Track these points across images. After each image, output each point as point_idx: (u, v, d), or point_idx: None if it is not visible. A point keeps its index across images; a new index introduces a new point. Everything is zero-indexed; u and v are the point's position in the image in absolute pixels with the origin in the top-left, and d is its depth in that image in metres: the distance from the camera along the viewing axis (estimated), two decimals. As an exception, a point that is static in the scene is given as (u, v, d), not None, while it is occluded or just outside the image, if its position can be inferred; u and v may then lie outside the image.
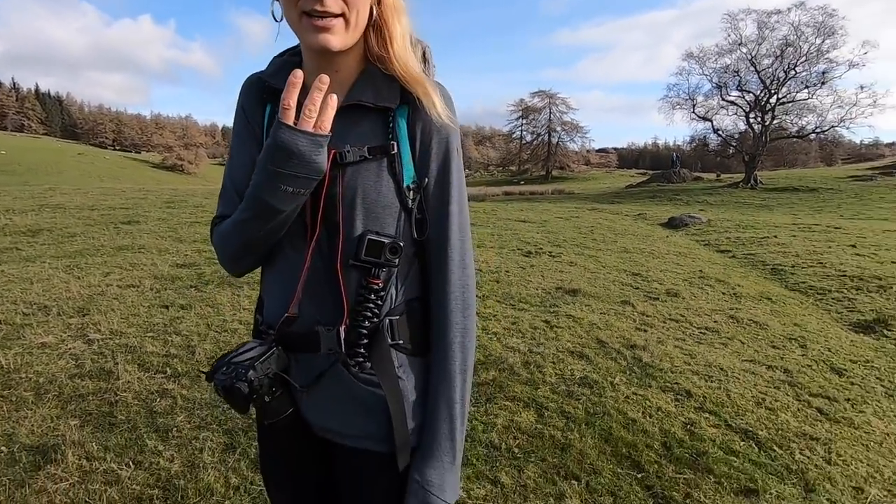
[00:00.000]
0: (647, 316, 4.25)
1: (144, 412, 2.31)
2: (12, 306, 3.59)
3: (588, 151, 59.68)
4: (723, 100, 26.79)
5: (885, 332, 4.34)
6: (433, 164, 0.81)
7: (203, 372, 0.81)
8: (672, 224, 11.22)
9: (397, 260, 0.78)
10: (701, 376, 3.05)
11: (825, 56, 23.68)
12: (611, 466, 2.11)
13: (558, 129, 50.35)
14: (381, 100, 0.79)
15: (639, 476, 2.06)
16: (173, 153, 57.14)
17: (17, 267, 4.83)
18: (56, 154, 47.10)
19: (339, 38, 0.74)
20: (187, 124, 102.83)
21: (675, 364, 3.19)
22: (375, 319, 0.79)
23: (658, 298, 4.87)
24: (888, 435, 2.65)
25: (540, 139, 51.50)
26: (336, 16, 0.73)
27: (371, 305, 0.79)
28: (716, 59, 26.31)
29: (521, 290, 4.78)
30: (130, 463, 1.94)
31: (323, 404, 0.82)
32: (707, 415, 2.58)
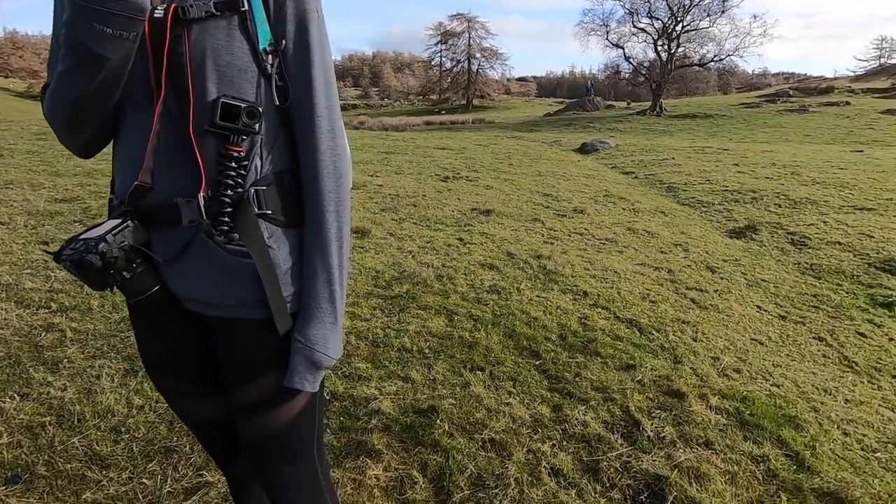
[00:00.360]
0: (554, 231, 4.51)
1: (28, 347, 2.14)
2: None
3: (508, 80, 59.28)
4: (634, 27, 27.44)
5: (753, 235, 4.96)
6: (289, 25, 0.76)
7: (51, 254, 0.74)
8: (584, 149, 11.70)
9: (257, 125, 0.74)
10: (597, 279, 3.35)
11: (726, -16, 24.69)
12: (513, 357, 2.31)
13: (478, 55, 49.19)
14: None
15: (537, 363, 2.28)
16: (39, 79, 48.97)
17: None
18: None
19: None
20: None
21: (575, 270, 3.46)
22: (240, 189, 0.76)
23: (566, 215, 5.16)
24: (744, 316, 3.11)
25: (460, 66, 50.18)
26: None
27: (232, 173, 0.75)
28: (629, -16, 26.55)
29: (438, 213, 4.84)
30: (16, 395, 1.82)
31: (191, 277, 0.80)
32: (599, 309, 2.87)
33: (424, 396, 1.96)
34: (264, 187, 0.79)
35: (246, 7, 0.73)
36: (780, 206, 5.95)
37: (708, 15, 25.72)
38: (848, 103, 22.86)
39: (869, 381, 2.54)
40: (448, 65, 51.40)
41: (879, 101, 22.89)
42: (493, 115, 34.40)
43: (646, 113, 24.22)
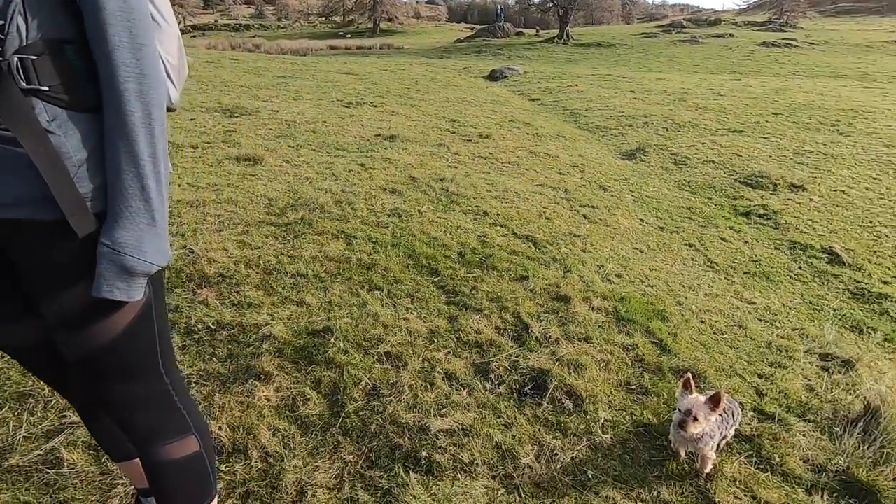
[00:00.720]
0: (459, 155, 4.49)
1: None
2: None
3: (417, 3, 56.04)
4: (543, -52, 26.67)
5: (642, 157, 5.30)
6: None
7: None
8: (493, 76, 11.57)
9: None
10: (498, 199, 3.42)
11: None
12: (412, 276, 2.32)
13: (384, -27, 45.57)
14: None
15: (435, 280, 2.31)
16: None
17: None
18: None
19: None
20: None
21: (477, 192, 3.50)
22: None
23: (471, 140, 5.14)
24: (628, 228, 3.37)
25: (365, -15, 46.31)
26: None
27: None
28: None
29: (339, 139, 4.59)
30: None
31: None
32: (498, 227, 2.95)
33: (319, 318, 1.93)
34: (33, 57, 0.64)
35: None
36: (667, 130, 6.37)
37: (613, -61, 25.59)
38: (732, 35, 24.51)
39: (725, 278, 2.91)
40: (351, -18, 47.23)
41: (757, 34, 24.79)
42: (402, 41, 32.69)
43: (553, 41, 24.30)
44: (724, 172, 4.76)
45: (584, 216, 3.41)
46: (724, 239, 3.44)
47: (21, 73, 0.63)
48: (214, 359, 1.68)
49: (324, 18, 50.75)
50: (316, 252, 2.39)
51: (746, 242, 3.42)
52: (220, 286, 2.06)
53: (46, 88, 0.65)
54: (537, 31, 31.41)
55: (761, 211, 3.91)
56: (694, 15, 41.88)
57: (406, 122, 5.62)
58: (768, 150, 5.41)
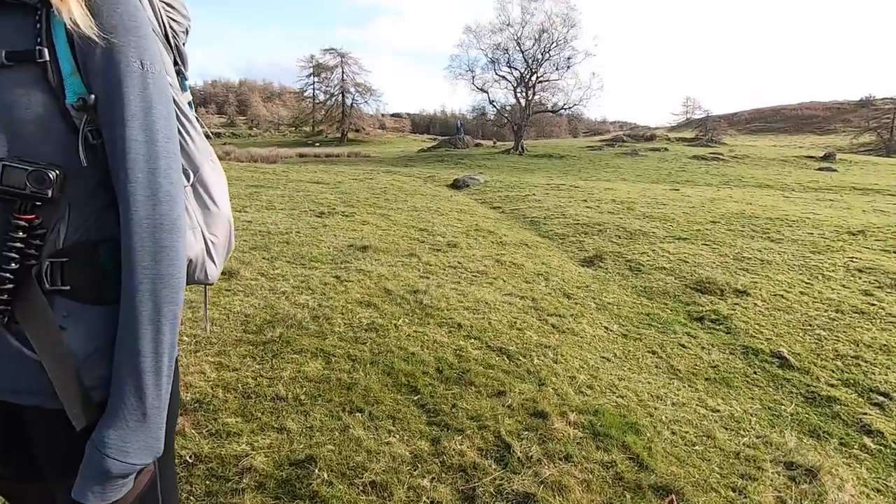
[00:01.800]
0: (430, 265, 4.69)
1: None
2: None
3: (383, 115, 60.61)
4: (496, 74, 30.15)
5: (600, 263, 5.67)
6: (99, 80, 0.68)
7: None
8: (456, 185, 12.38)
9: (50, 192, 0.66)
10: (470, 310, 3.56)
11: (569, 44, 28.58)
12: (392, 395, 2.34)
13: (352, 90, 49.63)
14: None
15: (415, 398, 2.34)
16: None
17: None
18: None
19: None
20: None
21: (450, 303, 3.64)
22: (31, 262, 0.68)
23: (441, 250, 5.40)
24: (595, 336, 3.54)
25: (333, 99, 50.08)
26: None
27: (19, 245, 0.67)
28: (490, 36, 29.30)
29: (313, 250, 4.74)
30: None
31: None
32: (473, 340, 3.05)
33: (301, 446, 1.90)
34: (65, 260, 0.70)
35: (46, 58, 0.66)
36: (620, 238, 6.90)
37: (557, 69, 29.37)
38: (667, 149, 27.49)
39: (689, 385, 3.05)
40: (321, 97, 50.95)
41: (689, 149, 27.93)
42: (369, 150, 34.76)
43: (509, 152, 26.49)
44: (675, 278, 5.14)
45: (553, 325, 3.57)
46: (683, 345, 3.65)
47: (47, 276, 0.69)
48: (192, 497, 1.61)
49: (294, 129, 53.67)
50: (295, 372, 2.40)
51: (703, 348, 3.63)
52: (198, 413, 2.02)
53: (68, 287, 0.70)
54: (494, 143, 34.27)
55: (713, 316, 4.20)
56: (632, 130, 47.04)
57: (377, 232, 5.87)
58: (712, 257, 5.91)
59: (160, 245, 0.71)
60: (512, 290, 4.28)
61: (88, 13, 0.66)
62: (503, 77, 30.14)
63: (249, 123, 57.20)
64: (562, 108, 30.97)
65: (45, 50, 0.66)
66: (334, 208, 7.11)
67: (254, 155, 24.96)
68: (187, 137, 0.84)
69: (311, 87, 50.76)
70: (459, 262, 4.93)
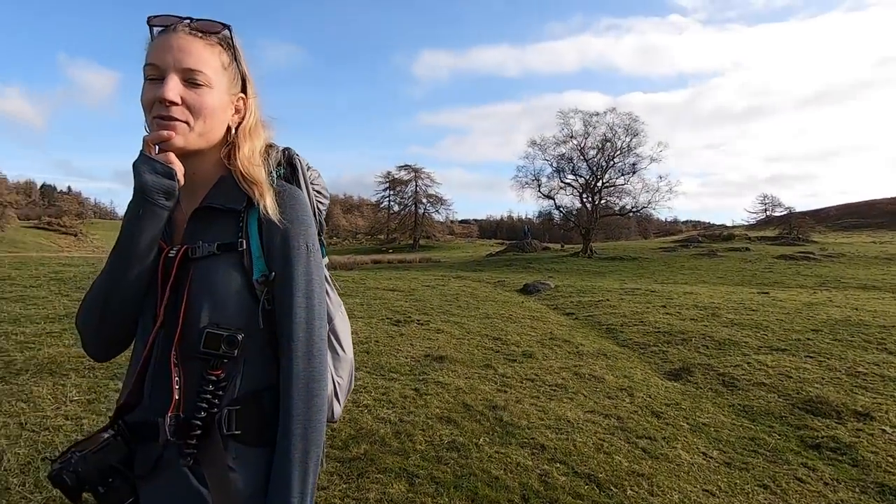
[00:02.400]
0: (506, 377, 4.62)
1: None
2: None
3: (452, 222, 63.77)
4: (561, 182, 31.26)
5: (688, 377, 5.29)
6: (277, 259, 0.88)
7: (50, 460, 0.80)
8: (526, 290, 12.40)
9: (236, 352, 0.83)
10: (552, 430, 3.41)
11: (633, 151, 29.40)
12: (477, 525, 2.24)
13: (424, 200, 53.22)
14: (230, 202, 0.89)
15: (502, 531, 2.22)
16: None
17: None
18: None
19: (181, 139, 0.85)
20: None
21: (531, 420, 3.52)
22: (214, 410, 0.82)
23: (516, 360, 5.33)
24: (693, 465, 3.22)
25: (407, 209, 53.73)
26: (180, 120, 0.85)
27: (208, 396, 0.82)
28: (554, 148, 30.93)
29: (392, 360, 4.86)
30: None
31: (162, 494, 0.83)
32: (558, 464, 2.89)
33: (388, 579, 1.84)
34: (238, 407, 0.84)
35: (244, 247, 0.87)
36: (707, 348, 6.45)
37: (622, 174, 30.00)
38: (748, 248, 26.15)
39: (816, 531, 2.63)
40: (396, 208, 54.85)
41: (773, 248, 26.39)
42: (440, 255, 36.14)
43: (578, 255, 26.44)
44: (779, 396, 4.64)
45: (644, 450, 3.31)
46: (800, 479, 3.20)
47: (224, 422, 0.83)
48: None
49: (370, 237, 57.43)
50: (380, 494, 2.39)
51: (827, 484, 3.17)
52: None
53: (240, 432, 0.84)
54: (562, 246, 34.49)
55: (832, 444, 3.70)
56: (707, 230, 45.55)
57: (452, 341, 5.94)
58: (819, 372, 5.33)
59: (312, 394, 0.86)
60: (594, 406, 4.08)
61: (277, 207, 0.90)
62: (569, 184, 31.17)
63: (330, 233, 62.19)
64: (630, 211, 31.03)
65: (244, 241, 0.88)
66: (410, 316, 7.34)
67: (334, 262, 26.80)
68: (326, 295, 1.02)
69: (387, 198, 55.05)
70: (536, 375, 4.82)
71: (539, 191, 31.69)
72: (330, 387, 0.99)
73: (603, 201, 30.73)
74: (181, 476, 0.82)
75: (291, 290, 0.87)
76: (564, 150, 30.66)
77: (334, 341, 1.06)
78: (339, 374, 1.05)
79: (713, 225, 60.60)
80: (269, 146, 0.99)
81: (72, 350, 4.34)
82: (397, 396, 3.78)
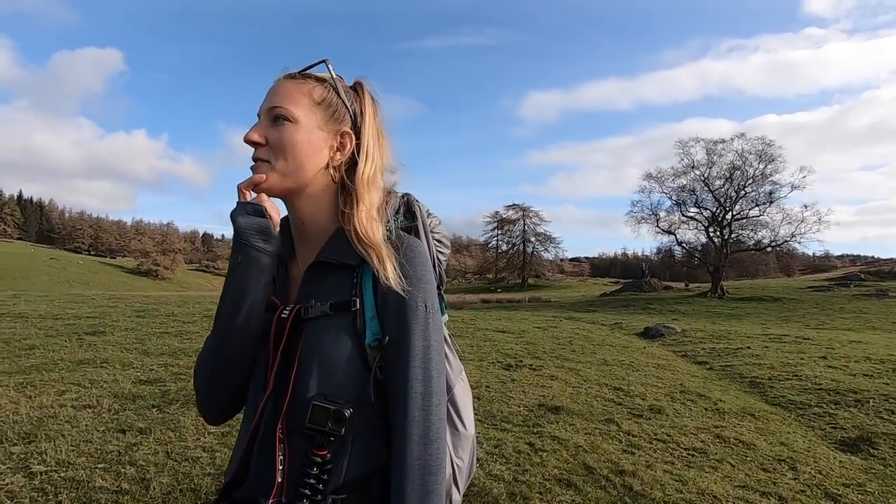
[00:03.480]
0: (632, 436, 4.12)
1: (83, 565, 2.03)
2: (-51, 432, 3.28)
3: (562, 260, 61.98)
4: (683, 215, 28.82)
5: (871, 450, 4.27)
6: (391, 320, 0.78)
7: None
8: (648, 334, 11.36)
9: (343, 430, 0.72)
10: (695, 506, 2.90)
11: (769, 179, 26.24)
12: None
13: (532, 239, 52.61)
14: (344, 257, 0.80)
15: None
16: (150, 258, 56.86)
17: (-37, 385, 4.49)
18: (27, 259, 46.23)
19: (266, 182, 0.81)
20: (168, 230, 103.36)
21: (666, 492, 3.04)
22: (318, 497, 0.72)
23: (642, 415, 4.76)
24: (896, 573, 2.49)
25: (515, 248, 53.47)
26: (262, 160, 0.81)
27: (311, 481, 0.72)
28: (672, 180, 28.79)
29: (503, 408, 4.62)
30: None
31: None
32: (706, 554, 2.41)
33: None
34: (343, 496, 0.74)
35: (357, 307, 0.78)
36: (892, 413, 5.22)
37: (756, 205, 26.80)
38: (932, 288, 21.53)
39: None
40: (504, 247, 54.90)
41: (969, 287, 21.41)
42: (549, 294, 35.09)
43: (707, 295, 23.84)
44: None
45: (821, 544, 2.66)
46: None
47: None
48: None
49: (478, 276, 57.95)
50: (495, 566, 2.16)
51: None
52: None
53: None
54: (687, 285, 31.49)
55: None
56: (871, 266, 38.58)
57: (568, 390, 5.53)
58: None
59: (427, 489, 0.73)
60: (746, 480, 3.42)
61: (397, 273, 0.78)
62: (692, 217, 28.64)
63: (440, 272, 64.16)
64: (768, 246, 27.43)
65: (357, 299, 0.79)
66: (521, 360, 7.04)
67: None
68: (445, 360, 0.89)
69: (496, 238, 55.42)
70: (668, 435, 4.23)
71: (657, 226, 29.52)
72: (448, 471, 0.85)
73: (734, 235, 27.61)
74: None
75: (407, 357, 0.76)
76: (685, 182, 28.39)
77: (454, 415, 0.92)
78: (458, 455, 0.90)
79: (878, 259, 51.23)
80: (388, 193, 0.90)
81: (213, 383, 4.78)
82: (511, 451, 3.53)
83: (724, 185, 27.22)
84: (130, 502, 2.51)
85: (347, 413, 0.73)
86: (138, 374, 5.13)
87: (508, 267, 53.42)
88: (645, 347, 9.57)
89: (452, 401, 0.91)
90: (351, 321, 0.78)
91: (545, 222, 53.84)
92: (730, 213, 27.15)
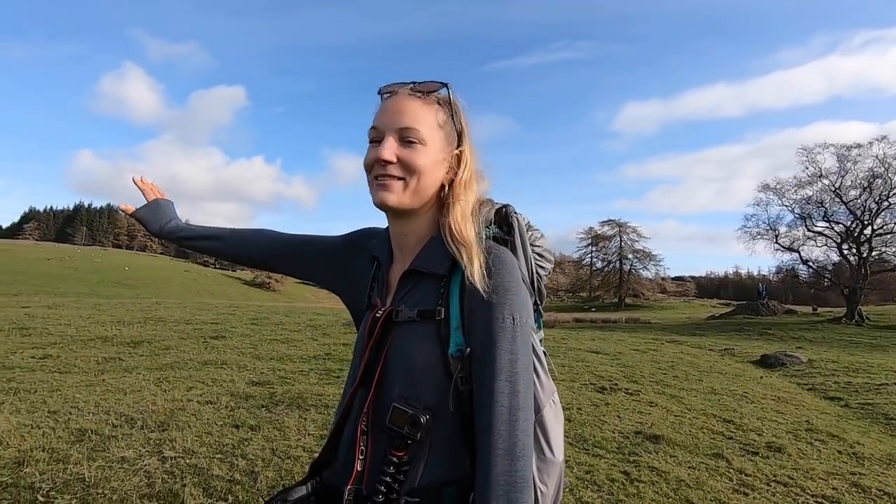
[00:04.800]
0: (745, 475, 3.69)
1: (201, 544, 2.26)
2: (104, 416, 3.85)
3: (663, 279, 57.78)
4: (808, 230, 25.54)
5: None
6: (477, 332, 0.78)
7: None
8: (766, 363, 10.16)
9: (419, 434, 0.74)
10: (824, 563, 2.52)
11: (921, 187, 22.40)
12: None
13: (630, 256, 49.81)
14: (433, 265, 0.83)
15: None
16: (263, 272, 62.53)
17: (116, 377, 5.26)
18: (167, 271, 53.24)
19: (396, 196, 0.84)
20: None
21: (787, 542, 2.67)
22: (393, 496, 0.75)
23: (758, 453, 4.26)
24: None
25: (611, 266, 50.98)
26: (397, 178, 0.84)
27: (387, 479, 0.75)
28: (795, 191, 25.64)
29: (596, 433, 4.40)
30: None
31: None
32: None
33: None
34: (416, 500, 0.75)
35: (442, 316, 0.80)
36: None
37: (904, 218, 23.00)
38: None
39: None
40: (599, 265, 52.63)
41: None
42: (649, 315, 32.88)
43: (841, 321, 20.80)
44: None
45: None
46: None
47: None
48: None
49: (571, 294, 56.04)
50: None
51: None
52: None
53: None
54: (815, 309, 27.77)
55: None
56: None
57: (669, 418, 5.12)
58: None
59: (512, 502, 0.72)
60: (893, 539, 2.91)
61: (484, 273, 0.80)
62: (820, 233, 25.28)
63: (531, 290, 63.00)
64: (922, 266, 23.34)
65: (443, 309, 0.81)
66: (616, 384, 6.66)
67: (534, 319, 26.70)
68: (536, 379, 0.87)
69: (590, 255, 53.33)
70: (790, 478, 3.73)
71: (776, 242, 26.41)
72: (531, 496, 0.83)
73: (875, 253, 23.88)
74: None
75: (493, 371, 0.76)
76: (811, 193, 25.12)
77: (541, 438, 0.87)
78: (542, 481, 0.86)
79: None
80: (482, 202, 0.91)
81: (314, 388, 5.12)
82: (603, 478, 3.34)
83: (861, 196, 23.72)
84: (241, 492, 2.76)
85: (423, 419, 0.75)
86: (251, 375, 5.65)
87: (603, 285, 50.98)
88: (762, 377, 8.57)
89: (540, 423, 0.87)
90: (435, 329, 0.80)
91: (644, 238, 50.75)
92: (869, 228, 23.53)
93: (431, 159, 0.86)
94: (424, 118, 0.86)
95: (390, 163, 0.84)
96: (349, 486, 0.78)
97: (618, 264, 50.06)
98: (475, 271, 0.79)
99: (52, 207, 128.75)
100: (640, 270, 50.24)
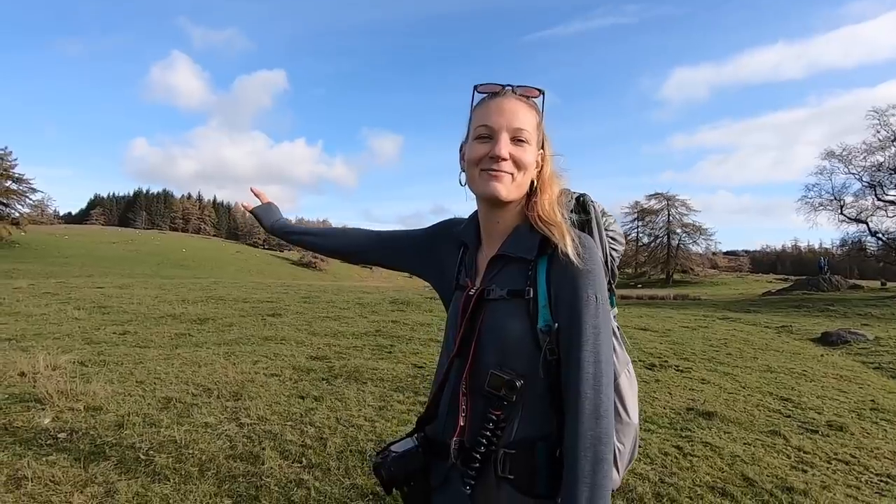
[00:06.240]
0: (804, 452, 3.64)
1: (284, 501, 2.50)
2: (184, 387, 4.22)
3: (714, 254, 55.42)
4: (878, 200, 23.81)
5: None
6: (563, 309, 0.88)
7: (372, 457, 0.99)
8: (827, 340, 9.72)
9: (515, 397, 0.87)
10: (888, 539, 2.50)
11: None
12: None
13: (678, 230, 48.00)
14: (521, 251, 0.95)
15: None
16: (309, 251, 64.62)
17: (188, 351, 5.70)
18: (220, 252, 55.91)
19: (506, 189, 0.95)
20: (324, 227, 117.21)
21: (849, 519, 2.66)
22: (493, 447, 0.88)
23: (818, 431, 4.16)
24: None
25: (658, 241, 49.34)
26: (507, 172, 0.95)
27: (487, 433, 0.88)
28: (864, 157, 23.90)
29: (647, 408, 4.42)
30: (271, 550, 2.09)
31: None
32: None
33: None
34: (513, 451, 0.87)
35: (531, 295, 0.91)
36: None
37: None
38: None
39: None
40: (645, 240, 51.05)
41: None
42: (699, 291, 31.81)
43: (913, 297, 19.42)
44: None
45: None
46: None
47: (500, 464, 0.88)
48: None
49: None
50: (640, 562, 2.14)
51: None
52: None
53: (513, 477, 0.87)
54: (883, 284, 26.01)
55: None
56: None
57: (722, 396, 5.06)
58: None
59: (599, 457, 0.82)
60: (964, 520, 2.82)
61: (576, 249, 0.90)
62: (891, 202, 23.54)
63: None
64: None
65: (531, 289, 0.92)
66: (666, 361, 6.60)
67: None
68: (614, 351, 0.97)
69: (635, 230, 51.75)
70: (853, 456, 3.65)
71: (842, 213, 24.82)
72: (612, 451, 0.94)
73: (955, 223, 22.06)
74: (463, 498, 0.91)
75: (580, 343, 0.86)
76: (882, 159, 23.32)
77: (617, 403, 1.00)
78: (620, 441, 0.99)
79: None
80: (562, 192, 1.04)
81: (369, 363, 5.38)
82: (656, 451, 3.39)
83: (940, 161, 21.85)
84: (313, 455, 3.00)
85: (519, 384, 0.87)
86: (309, 351, 5.98)
87: (650, 261, 49.50)
88: (822, 356, 8.23)
89: (618, 390, 1.00)
90: (525, 307, 0.91)
91: (693, 212, 48.67)
92: (949, 196, 21.73)
93: (532, 157, 0.98)
94: (530, 121, 0.97)
95: (505, 160, 0.94)
96: (454, 438, 0.91)
97: (665, 239, 48.39)
98: (568, 244, 0.89)
99: (114, 194, 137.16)
100: (690, 245, 48.42)
